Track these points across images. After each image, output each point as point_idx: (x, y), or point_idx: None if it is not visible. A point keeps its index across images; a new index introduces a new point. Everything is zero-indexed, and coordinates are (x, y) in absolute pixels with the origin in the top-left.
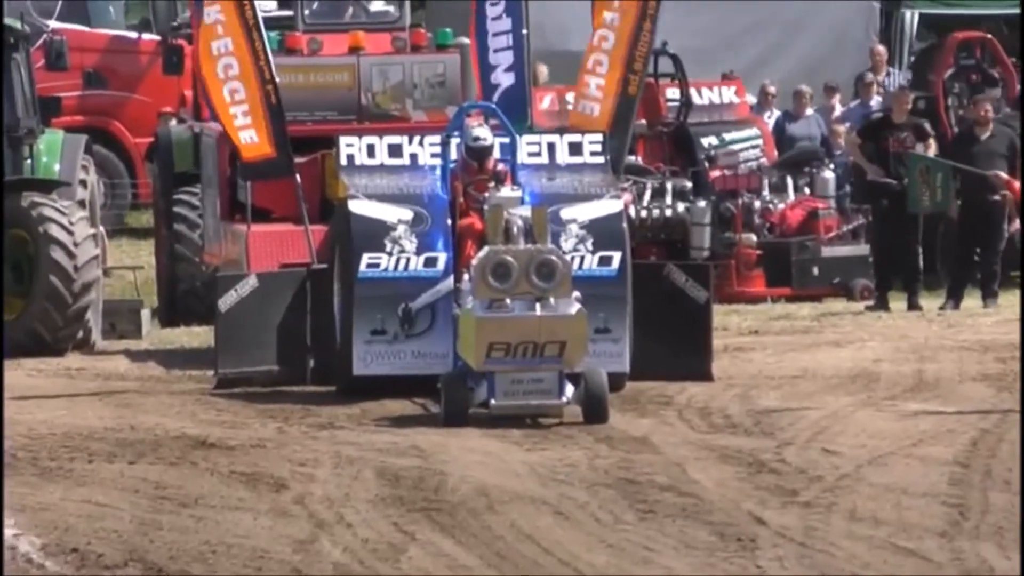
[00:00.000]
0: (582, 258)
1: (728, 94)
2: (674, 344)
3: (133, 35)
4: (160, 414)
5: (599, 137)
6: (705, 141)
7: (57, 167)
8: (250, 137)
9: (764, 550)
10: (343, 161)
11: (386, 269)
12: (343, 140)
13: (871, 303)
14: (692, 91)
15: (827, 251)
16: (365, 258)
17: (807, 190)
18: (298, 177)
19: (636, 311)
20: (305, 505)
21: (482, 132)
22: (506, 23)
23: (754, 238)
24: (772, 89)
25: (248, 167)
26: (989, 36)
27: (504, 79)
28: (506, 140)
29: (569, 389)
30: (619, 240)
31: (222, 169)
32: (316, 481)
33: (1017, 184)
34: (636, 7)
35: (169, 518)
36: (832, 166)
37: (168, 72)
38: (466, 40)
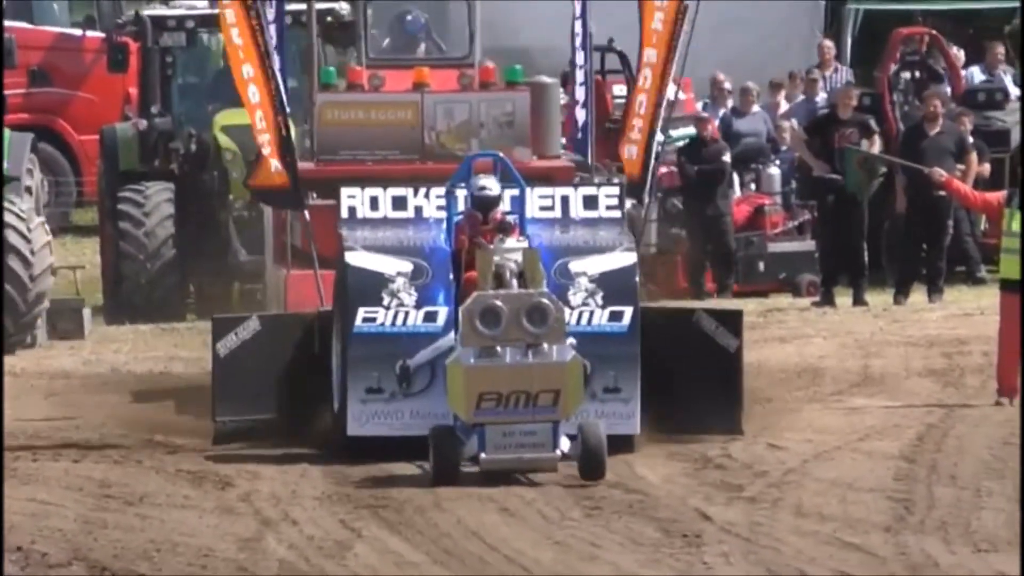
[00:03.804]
0: (591, 313)
1: (674, 91)
2: (702, 394)
3: (78, 33)
4: (105, 413)
5: (615, 191)
6: None
7: (6, 165)
8: (276, 165)
9: (710, 546)
10: (344, 214)
11: (383, 324)
12: (344, 191)
13: (817, 299)
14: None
15: (773, 247)
16: (361, 312)
17: (753, 186)
18: (307, 214)
19: (662, 359)
20: (251, 503)
21: (488, 182)
22: (580, 56)
23: None
24: (727, 85)
25: (260, 192)
26: (933, 32)
27: (580, 116)
28: (515, 192)
29: (564, 441)
30: (631, 295)
31: (276, 213)
32: (262, 479)
33: (957, 183)
34: (666, 40)
35: (114, 516)
36: (778, 162)
37: (113, 69)
38: (547, 79)
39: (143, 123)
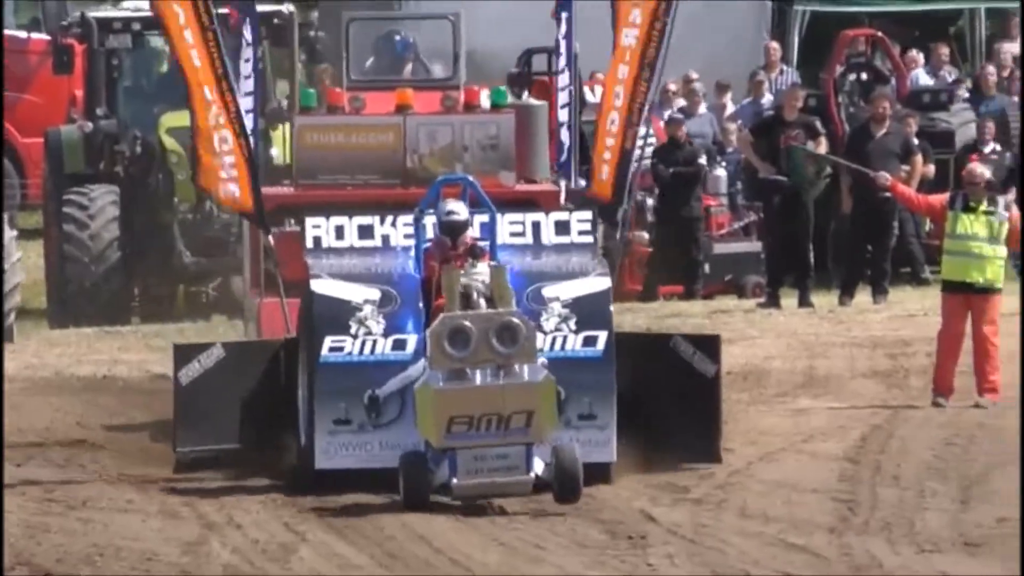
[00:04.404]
0: (564, 338)
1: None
2: (679, 422)
3: (23, 35)
4: (48, 416)
5: (588, 215)
6: None
7: None
8: (233, 189)
9: (655, 547)
10: (309, 244)
11: (351, 353)
12: (309, 221)
13: (762, 300)
14: (585, 89)
15: (719, 248)
16: (328, 341)
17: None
18: (271, 239)
19: (638, 386)
20: (194, 507)
21: (456, 206)
22: (565, 78)
23: (646, 236)
24: (673, 87)
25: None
26: (879, 34)
27: (565, 138)
28: (485, 218)
29: (539, 464)
30: (605, 319)
31: (254, 239)
32: (205, 482)
33: (901, 187)
34: (638, 57)
35: (57, 520)
36: (724, 164)
37: (58, 72)
38: (534, 102)
39: (88, 125)
